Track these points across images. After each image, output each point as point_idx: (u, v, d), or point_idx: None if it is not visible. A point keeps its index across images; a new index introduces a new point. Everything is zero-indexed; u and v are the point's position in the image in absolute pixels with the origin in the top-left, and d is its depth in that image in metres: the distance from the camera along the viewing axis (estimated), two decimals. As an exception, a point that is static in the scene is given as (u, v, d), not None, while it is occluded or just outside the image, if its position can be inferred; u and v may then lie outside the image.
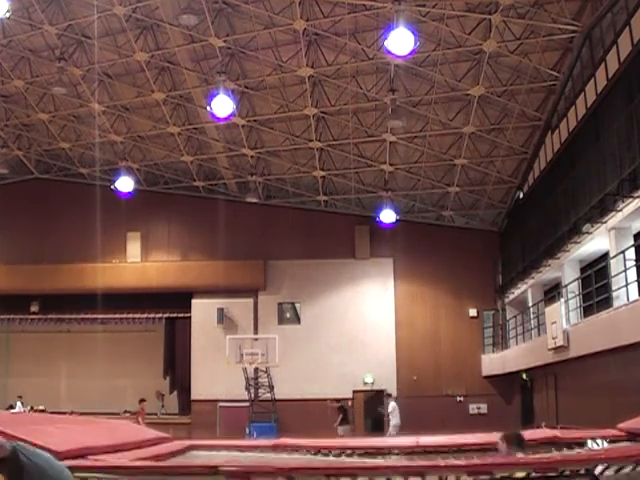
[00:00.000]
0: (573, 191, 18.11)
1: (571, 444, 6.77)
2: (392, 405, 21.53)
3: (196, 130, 24.54)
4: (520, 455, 5.41)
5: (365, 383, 26.05)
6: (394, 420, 21.09)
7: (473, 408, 26.05)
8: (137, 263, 28.04)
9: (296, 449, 6.91)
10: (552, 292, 20.96)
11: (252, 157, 25.36)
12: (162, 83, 22.03)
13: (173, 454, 6.28)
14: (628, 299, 14.07)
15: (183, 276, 27.03)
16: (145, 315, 27.63)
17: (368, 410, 25.75)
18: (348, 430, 21.45)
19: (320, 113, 22.41)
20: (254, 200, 26.49)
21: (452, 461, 4.89)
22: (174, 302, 27.32)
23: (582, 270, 18.55)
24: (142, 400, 19.44)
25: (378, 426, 24.76)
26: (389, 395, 22.89)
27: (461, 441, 7.12)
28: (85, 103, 23.49)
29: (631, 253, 14.80)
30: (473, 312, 26.94)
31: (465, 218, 27.23)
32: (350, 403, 24.80)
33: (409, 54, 17.24)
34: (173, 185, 27.93)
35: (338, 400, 23.15)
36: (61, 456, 4.96)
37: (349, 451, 7.24)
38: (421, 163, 24.18)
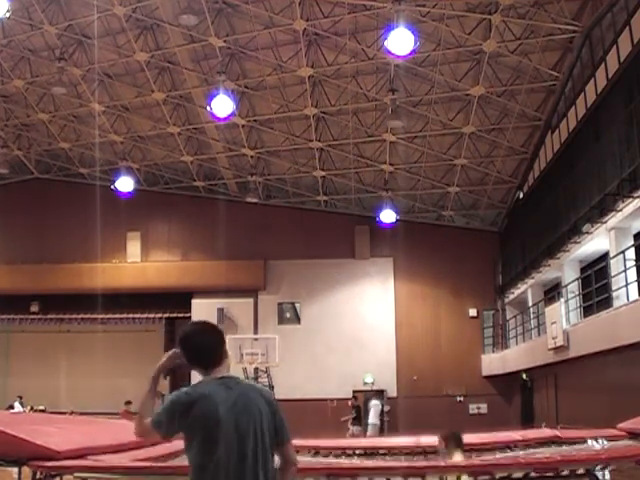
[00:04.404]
0: (573, 191, 18.11)
1: (571, 444, 6.77)
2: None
3: (196, 130, 24.53)
4: (458, 456, 5.33)
5: (365, 383, 26.03)
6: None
7: (473, 408, 26.04)
8: (137, 263, 28.02)
9: (296, 450, 6.90)
10: (552, 292, 20.97)
11: (252, 157, 25.35)
12: (162, 83, 22.02)
13: (174, 454, 6.27)
14: (628, 299, 14.07)
15: (183, 276, 27.01)
16: (145, 315, 27.60)
17: (368, 410, 25.69)
18: (360, 430, 21.40)
19: (320, 113, 22.41)
20: (254, 200, 26.49)
21: (452, 461, 4.89)
22: (174, 302, 27.29)
23: (582, 270, 18.56)
24: (128, 402, 19.03)
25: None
26: (355, 398, 22.84)
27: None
28: (85, 103, 23.49)
29: (631, 253, 14.80)
30: (473, 312, 26.93)
31: (465, 218, 27.23)
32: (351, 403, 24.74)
33: (409, 54, 17.24)
34: (173, 185, 27.93)
35: (356, 398, 23.14)
36: (61, 456, 4.96)
37: (349, 451, 7.24)
38: (421, 163, 24.17)
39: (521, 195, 24.36)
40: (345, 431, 21.05)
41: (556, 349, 17.80)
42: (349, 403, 22.76)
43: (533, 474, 5.23)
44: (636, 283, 14.23)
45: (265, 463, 3.25)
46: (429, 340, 26.56)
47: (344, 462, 5.54)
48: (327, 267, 27.21)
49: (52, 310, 27.83)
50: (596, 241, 16.73)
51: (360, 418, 22.17)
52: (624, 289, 14.37)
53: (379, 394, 22.65)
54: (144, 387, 3.46)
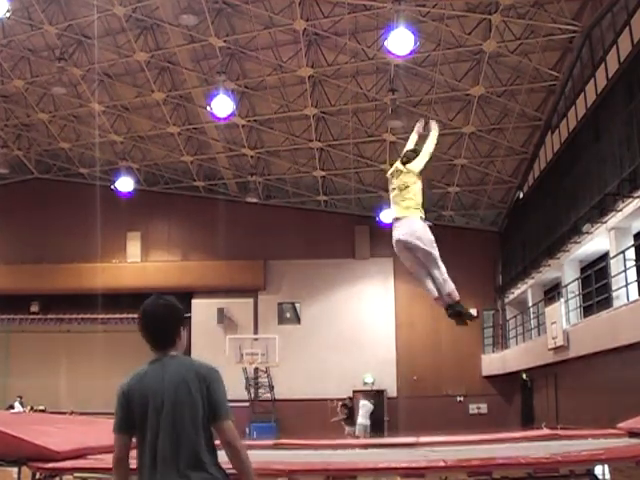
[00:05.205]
0: (573, 191, 18.12)
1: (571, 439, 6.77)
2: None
3: (196, 130, 24.53)
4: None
5: (365, 383, 26.03)
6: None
7: (473, 408, 26.04)
8: (137, 263, 28.02)
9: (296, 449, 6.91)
10: (552, 292, 20.97)
11: (252, 157, 25.35)
12: (162, 83, 22.02)
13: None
14: (628, 299, 14.07)
15: (183, 276, 27.01)
16: (145, 315, 27.58)
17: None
18: (352, 430, 21.43)
19: (320, 113, 22.40)
20: (254, 200, 26.50)
21: (452, 461, 4.89)
22: (174, 302, 27.27)
23: (582, 270, 18.56)
24: None
25: (378, 426, 24.72)
26: (350, 398, 22.95)
27: (461, 441, 7.12)
28: (85, 103, 23.49)
29: (631, 253, 14.80)
30: (473, 312, 26.80)
31: (465, 218, 27.22)
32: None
33: (409, 54, 17.27)
34: (173, 185, 27.93)
35: (351, 398, 23.18)
36: (61, 456, 4.96)
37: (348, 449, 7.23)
38: (421, 163, 24.13)
39: (521, 195, 24.36)
40: (343, 431, 21.10)
41: (556, 349, 17.80)
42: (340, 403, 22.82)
43: (533, 474, 5.23)
44: (636, 283, 14.23)
45: (190, 442, 3.10)
46: (429, 340, 26.55)
47: (342, 460, 5.55)
48: (327, 267, 27.21)
49: (52, 310, 27.83)
50: (596, 241, 16.73)
51: (352, 419, 22.21)
52: (624, 289, 14.37)
53: (368, 394, 22.61)
54: None
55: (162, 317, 3.30)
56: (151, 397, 3.15)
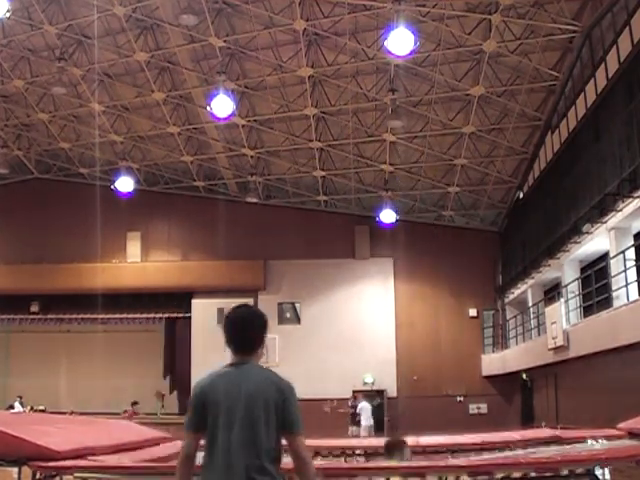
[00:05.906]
0: (573, 191, 18.12)
1: (572, 444, 6.77)
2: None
3: (196, 130, 24.53)
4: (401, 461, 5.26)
5: (365, 383, 26.04)
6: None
7: (473, 408, 26.04)
8: (137, 263, 28.01)
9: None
10: (552, 292, 20.97)
11: (252, 157, 25.35)
12: (162, 83, 22.02)
13: (174, 455, 6.27)
14: (628, 299, 14.07)
15: (183, 276, 27.01)
16: (145, 315, 27.59)
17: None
18: (357, 430, 21.46)
19: (320, 113, 22.40)
20: (254, 200, 26.49)
21: (452, 461, 4.89)
22: (174, 302, 27.29)
23: (582, 270, 18.56)
24: (135, 403, 19.38)
25: (379, 426, 24.74)
26: (355, 397, 23.06)
27: (461, 441, 7.12)
28: (85, 103, 23.49)
29: (631, 253, 14.81)
30: (473, 312, 26.93)
31: (465, 218, 27.23)
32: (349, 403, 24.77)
33: (409, 54, 17.25)
34: (173, 185, 27.93)
35: (355, 397, 23.24)
36: (61, 456, 4.96)
37: (349, 451, 7.24)
38: (421, 163, 24.18)
39: (521, 195, 24.36)
40: (345, 431, 21.13)
41: (556, 349, 17.81)
42: (349, 403, 22.90)
43: (533, 474, 5.23)
44: (636, 283, 14.23)
45: (261, 449, 3.20)
46: (429, 340, 26.56)
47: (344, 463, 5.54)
48: (327, 267, 27.20)
49: (52, 310, 27.84)
50: (596, 241, 16.74)
51: (356, 419, 22.24)
52: (624, 289, 14.37)
53: (368, 396, 22.68)
54: None
55: (246, 324, 3.50)
56: (226, 400, 3.26)
